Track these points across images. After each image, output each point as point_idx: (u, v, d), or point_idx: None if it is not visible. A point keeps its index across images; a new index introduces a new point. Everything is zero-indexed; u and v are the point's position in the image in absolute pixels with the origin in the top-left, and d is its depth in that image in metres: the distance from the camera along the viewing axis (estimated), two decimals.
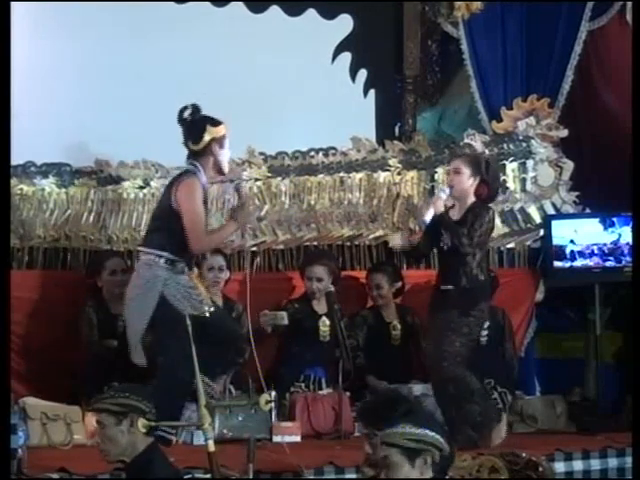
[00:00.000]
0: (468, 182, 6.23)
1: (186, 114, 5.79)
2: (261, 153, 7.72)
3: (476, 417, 6.04)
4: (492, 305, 6.62)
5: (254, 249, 7.38)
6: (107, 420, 4.08)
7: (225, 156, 5.86)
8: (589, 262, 7.44)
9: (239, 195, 6.09)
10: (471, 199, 6.24)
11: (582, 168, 7.86)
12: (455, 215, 6.24)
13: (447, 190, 6.32)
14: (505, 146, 7.86)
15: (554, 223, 7.56)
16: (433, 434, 3.82)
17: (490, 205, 6.37)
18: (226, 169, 5.93)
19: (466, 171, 6.23)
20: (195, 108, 5.78)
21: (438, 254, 6.52)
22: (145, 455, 4.10)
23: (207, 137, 5.75)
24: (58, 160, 7.40)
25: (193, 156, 5.82)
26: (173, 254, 5.69)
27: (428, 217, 6.28)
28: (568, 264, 7.45)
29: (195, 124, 5.77)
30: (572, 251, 7.44)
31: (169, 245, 5.69)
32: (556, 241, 7.48)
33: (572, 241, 7.46)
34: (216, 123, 5.81)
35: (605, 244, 7.42)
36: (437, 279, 6.36)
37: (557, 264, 7.46)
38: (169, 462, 4.25)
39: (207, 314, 5.76)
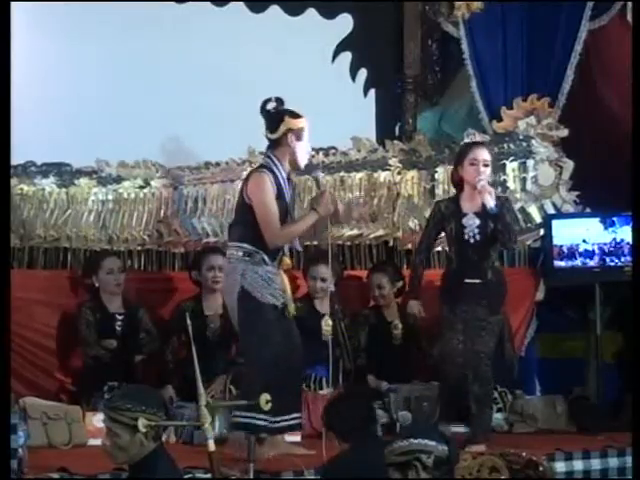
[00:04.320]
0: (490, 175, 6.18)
1: (269, 106, 5.79)
2: (261, 153, 7.69)
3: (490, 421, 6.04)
4: None
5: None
6: (122, 432, 3.99)
7: (302, 149, 5.82)
8: (589, 262, 7.43)
9: (317, 184, 6.03)
10: None
11: (582, 168, 7.85)
12: (474, 208, 6.12)
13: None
14: (505, 146, 7.84)
15: (554, 223, 7.55)
16: (418, 440, 3.69)
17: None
18: (302, 163, 5.88)
19: (490, 164, 6.16)
20: (278, 100, 5.81)
21: (458, 246, 6.21)
22: (150, 455, 4.06)
23: (283, 127, 5.74)
24: (58, 160, 7.40)
25: (271, 147, 5.83)
26: (252, 245, 5.68)
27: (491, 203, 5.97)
28: (569, 264, 7.45)
29: (274, 114, 5.78)
30: (572, 251, 7.44)
31: (247, 237, 5.69)
32: (556, 241, 7.48)
33: (573, 241, 7.45)
34: (296, 115, 5.82)
35: (605, 244, 7.42)
36: (456, 272, 6.22)
37: (557, 264, 7.46)
38: (174, 464, 4.20)
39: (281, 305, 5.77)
